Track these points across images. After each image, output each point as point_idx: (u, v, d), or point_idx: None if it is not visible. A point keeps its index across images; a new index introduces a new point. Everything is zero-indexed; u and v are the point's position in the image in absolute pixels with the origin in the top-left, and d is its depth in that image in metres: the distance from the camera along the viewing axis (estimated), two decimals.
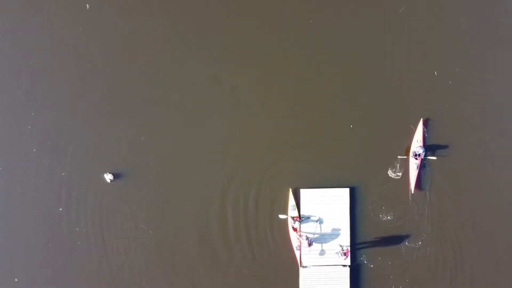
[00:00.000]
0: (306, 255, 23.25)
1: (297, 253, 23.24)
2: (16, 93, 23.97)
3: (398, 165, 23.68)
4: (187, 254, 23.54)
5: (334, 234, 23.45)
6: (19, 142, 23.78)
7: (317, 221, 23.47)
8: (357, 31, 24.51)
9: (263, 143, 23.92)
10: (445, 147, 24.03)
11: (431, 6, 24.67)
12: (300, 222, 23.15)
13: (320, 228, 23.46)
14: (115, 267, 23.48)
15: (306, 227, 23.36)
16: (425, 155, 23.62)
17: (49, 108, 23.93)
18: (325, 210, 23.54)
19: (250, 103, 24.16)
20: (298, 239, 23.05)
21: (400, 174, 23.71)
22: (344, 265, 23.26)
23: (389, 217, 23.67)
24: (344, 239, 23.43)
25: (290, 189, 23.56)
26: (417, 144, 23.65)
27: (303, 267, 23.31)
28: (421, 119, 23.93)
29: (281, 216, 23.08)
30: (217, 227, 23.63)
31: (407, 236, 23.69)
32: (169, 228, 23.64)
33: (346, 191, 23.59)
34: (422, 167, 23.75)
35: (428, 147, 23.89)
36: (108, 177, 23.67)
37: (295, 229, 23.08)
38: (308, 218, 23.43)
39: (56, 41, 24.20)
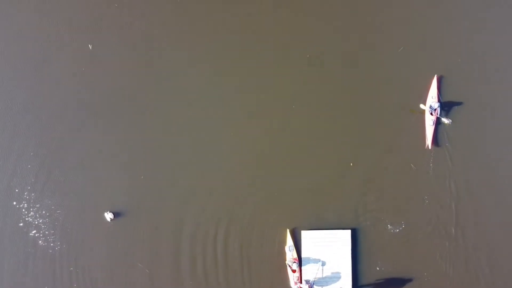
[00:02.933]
0: None
1: None
2: (15, 132, 24.13)
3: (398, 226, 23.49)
4: None
5: (335, 276, 23.02)
6: (15, 179, 23.80)
7: (317, 263, 23.12)
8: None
9: (261, 184, 23.73)
10: (459, 104, 23.94)
11: None
12: (298, 263, 22.79)
13: (321, 271, 23.06)
14: None
15: (307, 270, 22.99)
16: (440, 114, 23.66)
17: (46, 146, 23.98)
18: (326, 252, 23.17)
19: (249, 141, 24.09)
20: (296, 282, 22.69)
21: (398, 229, 23.48)
22: None
23: (390, 265, 23.29)
24: (346, 282, 22.98)
25: (288, 230, 23.30)
26: (432, 100, 23.71)
27: None
28: (435, 75, 23.95)
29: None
30: (215, 268, 23.27)
31: (413, 279, 23.18)
32: (166, 267, 23.40)
33: (347, 233, 23.28)
34: (438, 123, 23.68)
35: (443, 105, 23.88)
36: (109, 216, 23.51)
37: (293, 271, 22.70)
38: (308, 260, 23.08)
39: (57, 80, 24.45)
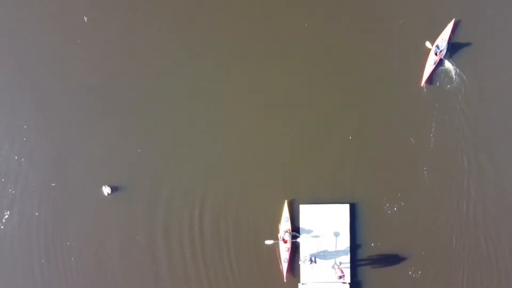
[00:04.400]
0: (306, 272, 22.72)
1: (284, 266, 22.66)
2: (10, 105, 23.92)
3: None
4: (179, 268, 23.19)
5: (334, 251, 22.89)
6: (10, 152, 23.66)
7: (316, 237, 22.98)
8: None
9: (261, 157, 23.53)
10: (468, 52, 23.62)
11: None
12: (290, 234, 22.61)
13: (320, 245, 22.95)
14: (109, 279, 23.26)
15: (305, 244, 22.88)
16: (445, 56, 23.44)
17: (44, 121, 23.80)
18: (324, 226, 23.01)
19: (248, 114, 23.86)
20: (287, 251, 22.58)
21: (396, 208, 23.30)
22: (343, 282, 22.67)
23: (390, 240, 23.13)
24: (344, 256, 22.86)
25: (286, 201, 23.13)
26: (441, 41, 23.47)
27: (303, 284, 22.77)
28: (453, 19, 23.65)
29: (267, 242, 22.63)
30: (211, 239, 23.28)
31: (411, 254, 22.99)
32: (163, 241, 23.35)
33: (346, 207, 23.10)
34: (439, 64, 23.48)
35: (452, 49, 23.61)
36: (106, 190, 23.37)
37: (285, 241, 22.55)
38: (306, 234, 22.93)
39: (53, 54, 24.16)
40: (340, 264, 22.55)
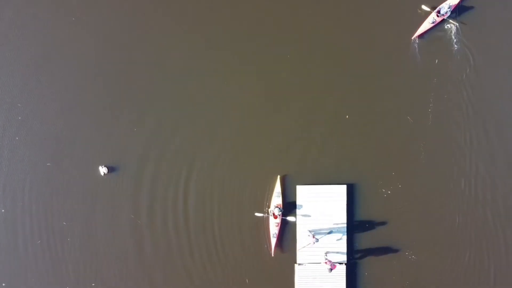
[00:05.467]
0: (303, 253, 22.81)
1: (273, 241, 22.70)
2: (5, 84, 23.71)
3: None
4: (170, 246, 23.27)
5: (331, 232, 22.88)
6: (5, 131, 23.55)
7: (313, 218, 22.91)
8: None
9: (258, 137, 23.44)
10: (474, 20, 23.42)
11: None
12: (280, 209, 22.57)
13: (317, 226, 22.89)
14: (104, 261, 23.28)
15: (303, 225, 22.88)
16: (449, 17, 23.21)
17: (40, 99, 23.67)
18: (321, 207, 22.98)
19: (243, 95, 23.69)
20: (277, 226, 22.65)
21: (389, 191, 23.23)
22: (340, 263, 22.70)
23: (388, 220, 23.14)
24: (341, 236, 22.87)
25: (278, 176, 23.03)
26: (445, 6, 23.19)
27: (299, 264, 22.84)
28: None
29: (257, 214, 22.68)
30: (197, 214, 23.31)
31: (409, 235, 23.00)
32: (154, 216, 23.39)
33: (343, 188, 23.03)
34: (438, 25, 23.29)
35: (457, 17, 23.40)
36: (103, 170, 23.31)
37: (275, 216, 22.56)
38: (304, 214, 22.94)
39: (48, 32, 23.96)
40: (326, 257, 22.54)
